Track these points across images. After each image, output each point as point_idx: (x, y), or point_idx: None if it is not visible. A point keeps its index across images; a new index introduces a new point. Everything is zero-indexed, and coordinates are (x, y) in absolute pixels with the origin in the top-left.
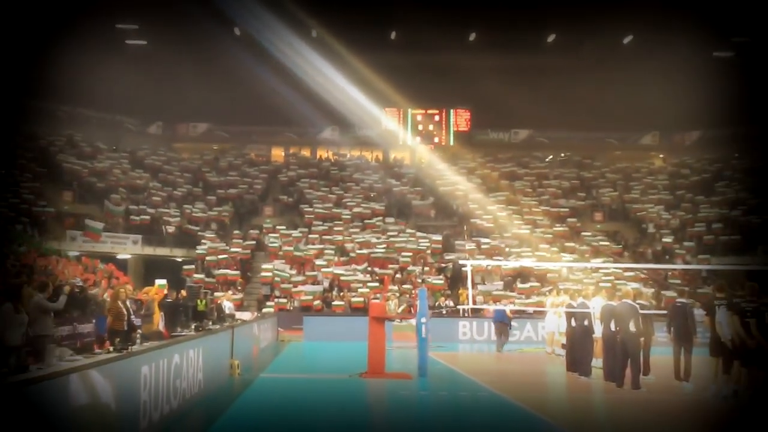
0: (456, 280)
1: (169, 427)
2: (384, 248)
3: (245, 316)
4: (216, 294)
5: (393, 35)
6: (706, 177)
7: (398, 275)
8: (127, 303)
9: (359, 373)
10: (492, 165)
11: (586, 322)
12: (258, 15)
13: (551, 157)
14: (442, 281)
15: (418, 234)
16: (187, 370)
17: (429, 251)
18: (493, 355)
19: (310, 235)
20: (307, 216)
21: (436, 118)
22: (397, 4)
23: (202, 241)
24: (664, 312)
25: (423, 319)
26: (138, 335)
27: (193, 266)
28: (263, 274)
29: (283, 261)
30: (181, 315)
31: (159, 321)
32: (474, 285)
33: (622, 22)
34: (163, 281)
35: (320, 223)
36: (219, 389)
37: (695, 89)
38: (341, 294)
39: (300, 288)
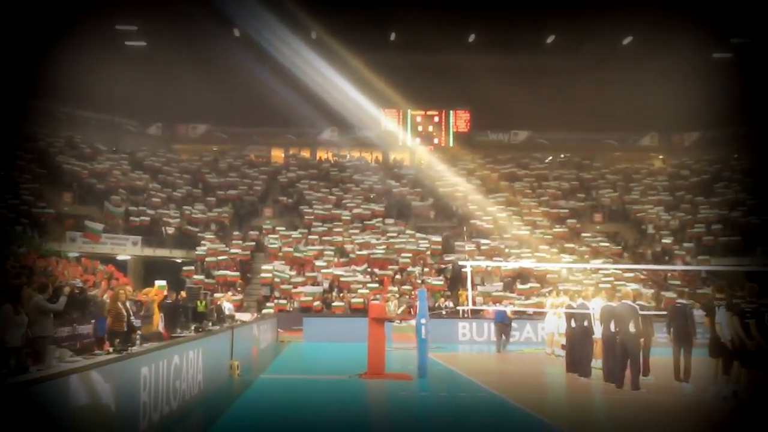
0: (456, 281)
1: (169, 428)
2: (384, 249)
3: (245, 317)
4: (216, 295)
5: (392, 36)
6: (706, 178)
7: (398, 276)
8: (127, 304)
9: (359, 373)
10: (491, 166)
11: (585, 323)
12: (257, 16)
13: (551, 158)
14: (441, 282)
15: (418, 235)
16: (187, 371)
17: (429, 252)
18: (492, 356)
19: (310, 236)
20: (306, 217)
21: (436, 119)
22: (396, 4)
23: (202, 242)
24: (664, 313)
25: (423, 320)
26: (138, 336)
27: (192, 267)
28: (263, 275)
29: (283, 262)
30: (181, 316)
31: (159, 322)
32: (474, 286)
33: (622, 23)
34: (163, 282)
35: (320, 224)
36: (219, 390)
37: (695, 90)
38: (341, 295)
39: (300, 289)
